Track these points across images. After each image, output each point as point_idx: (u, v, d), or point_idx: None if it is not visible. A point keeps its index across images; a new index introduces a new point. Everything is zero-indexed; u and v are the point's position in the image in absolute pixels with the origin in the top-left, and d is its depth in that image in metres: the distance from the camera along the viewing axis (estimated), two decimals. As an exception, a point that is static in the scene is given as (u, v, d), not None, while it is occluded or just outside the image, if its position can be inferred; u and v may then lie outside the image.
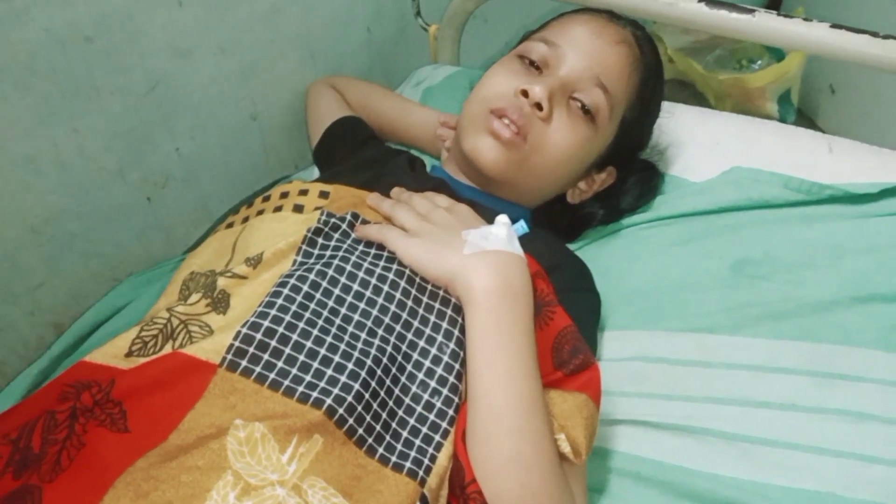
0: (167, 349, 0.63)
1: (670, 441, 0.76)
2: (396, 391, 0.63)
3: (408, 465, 0.59)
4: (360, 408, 0.59)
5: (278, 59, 1.12)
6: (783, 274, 0.85)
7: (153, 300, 0.79)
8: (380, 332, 0.65)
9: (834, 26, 0.92)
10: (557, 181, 0.87)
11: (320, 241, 0.72)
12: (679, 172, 0.99)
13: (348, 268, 0.68)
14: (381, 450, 0.60)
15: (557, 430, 0.64)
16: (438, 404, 0.63)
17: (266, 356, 0.60)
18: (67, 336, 0.88)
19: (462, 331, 0.66)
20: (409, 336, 0.66)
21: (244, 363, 0.60)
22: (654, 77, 0.89)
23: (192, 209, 1.09)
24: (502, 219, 0.69)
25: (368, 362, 0.62)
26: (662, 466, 0.74)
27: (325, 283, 0.66)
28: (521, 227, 0.71)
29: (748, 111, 1.13)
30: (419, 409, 0.63)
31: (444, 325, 0.67)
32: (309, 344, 0.62)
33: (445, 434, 0.62)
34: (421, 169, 0.92)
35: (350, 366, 0.61)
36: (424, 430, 0.62)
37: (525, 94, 0.79)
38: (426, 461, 0.60)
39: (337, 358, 0.62)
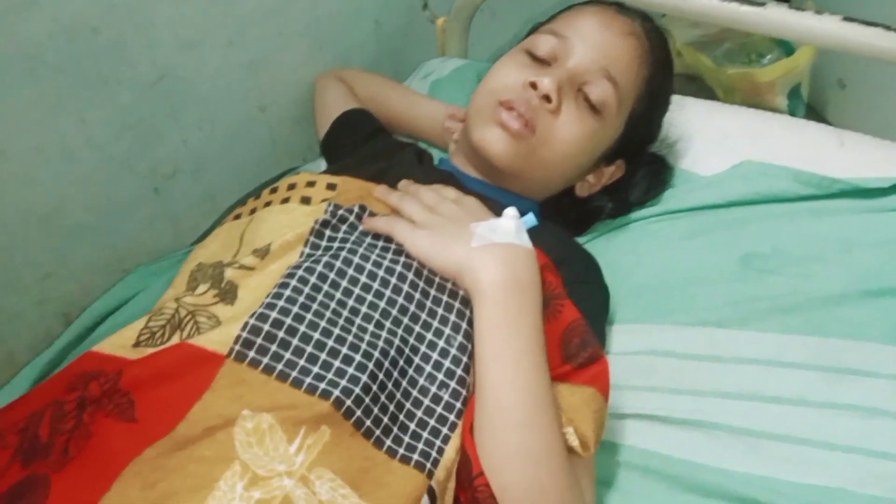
0: (175, 339, 0.63)
1: (678, 435, 0.76)
2: (404, 383, 0.63)
3: (415, 457, 0.59)
4: (367, 400, 0.59)
5: (286, 51, 1.12)
6: (792, 268, 0.85)
7: (161, 291, 0.79)
8: (387, 324, 0.65)
9: (846, 19, 0.91)
10: (565, 174, 0.87)
11: (328, 232, 0.72)
12: (688, 166, 0.98)
13: (356, 260, 0.67)
14: (388, 442, 0.59)
15: (566, 424, 0.64)
16: (446, 397, 0.63)
17: (274, 347, 0.60)
18: (75, 326, 0.88)
19: (470, 323, 0.66)
20: (417, 328, 0.66)
21: (252, 354, 0.60)
22: (663, 70, 0.89)
23: (199, 200, 1.09)
24: (511, 211, 0.68)
25: (376, 354, 0.62)
26: (670, 460, 0.74)
27: (332, 275, 0.66)
28: (530, 219, 0.71)
29: (757, 105, 1.12)
30: (427, 401, 0.63)
31: (452, 317, 0.66)
32: (317, 335, 0.62)
33: (453, 427, 0.62)
34: (428, 162, 0.92)
35: (358, 357, 0.61)
36: (432, 422, 0.62)
37: (534, 86, 0.79)
38: (434, 454, 0.60)
39: (345, 350, 0.61)
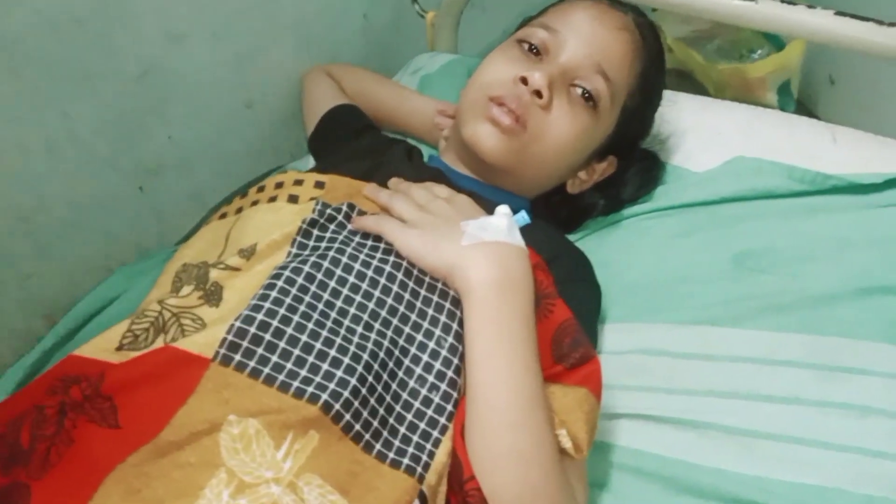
0: (159, 343, 0.61)
1: (672, 435, 0.75)
2: (394, 386, 0.62)
3: (405, 461, 0.58)
4: (356, 403, 0.58)
5: (273, 46, 1.11)
6: (785, 266, 0.84)
7: (146, 291, 0.78)
8: (376, 325, 0.64)
9: (838, 14, 0.90)
10: (557, 170, 0.86)
11: (316, 232, 0.71)
12: (680, 162, 0.97)
13: (344, 260, 0.66)
14: (378, 446, 0.58)
15: (558, 426, 0.63)
16: (436, 399, 0.62)
17: (260, 350, 0.59)
18: (59, 328, 0.87)
19: (461, 324, 0.65)
20: (407, 329, 0.65)
21: (238, 357, 0.58)
22: (655, 64, 0.88)
23: (185, 198, 1.08)
24: (503, 209, 0.67)
25: (365, 357, 0.60)
26: (664, 461, 0.74)
27: (320, 276, 0.64)
28: (523, 217, 0.70)
29: (748, 101, 1.12)
30: (417, 404, 0.62)
31: (443, 318, 0.65)
32: (304, 338, 0.60)
33: (444, 430, 0.61)
34: (418, 159, 0.91)
35: (346, 360, 0.60)
36: (422, 425, 0.61)
37: (525, 81, 0.78)
38: (424, 457, 0.59)
39: (333, 352, 0.60)
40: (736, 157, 0.93)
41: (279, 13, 1.09)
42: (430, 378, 0.63)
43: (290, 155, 1.20)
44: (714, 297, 0.83)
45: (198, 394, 0.57)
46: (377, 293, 0.65)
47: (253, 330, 0.59)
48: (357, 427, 0.58)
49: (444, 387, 0.62)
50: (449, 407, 0.62)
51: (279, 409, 0.56)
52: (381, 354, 0.62)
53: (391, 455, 0.58)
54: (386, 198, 0.74)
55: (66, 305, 0.93)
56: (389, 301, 0.65)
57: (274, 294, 0.62)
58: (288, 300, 0.62)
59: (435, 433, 0.61)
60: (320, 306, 0.63)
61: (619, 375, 0.79)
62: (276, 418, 0.55)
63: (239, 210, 0.78)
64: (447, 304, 0.66)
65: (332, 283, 0.65)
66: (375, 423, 0.59)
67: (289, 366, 0.59)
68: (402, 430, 0.60)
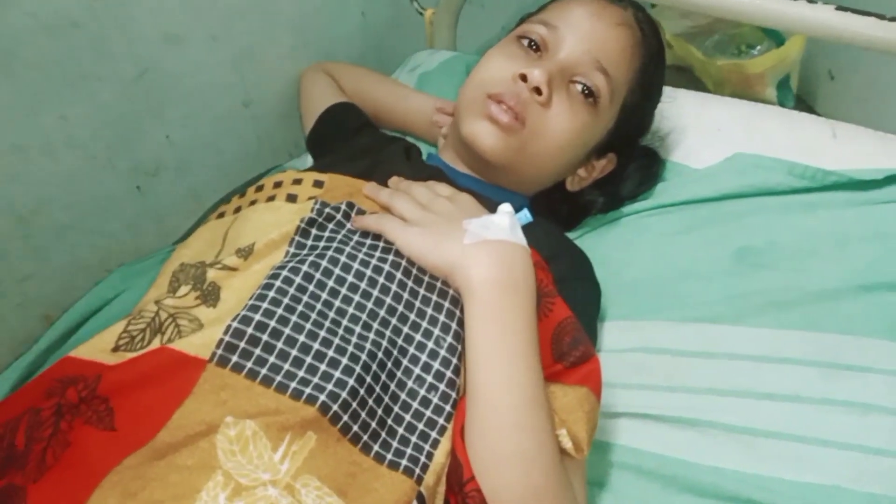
0: (155, 344, 0.61)
1: (672, 434, 0.75)
2: (392, 387, 0.62)
3: (404, 462, 0.58)
4: (354, 404, 0.58)
5: (271, 46, 1.10)
6: (787, 262, 0.84)
7: (143, 291, 0.78)
8: (375, 325, 0.63)
9: (839, 8, 0.90)
10: (556, 168, 0.85)
11: (314, 231, 0.70)
12: (680, 159, 0.97)
13: (342, 259, 0.66)
14: (376, 447, 0.58)
15: (559, 426, 0.62)
16: (435, 400, 0.62)
17: (257, 351, 0.59)
18: (56, 329, 0.86)
19: (460, 324, 0.64)
20: (406, 329, 0.64)
21: (235, 358, 0.58)
22: (655, 60, 0.88)
23: (183, 198, 1.07)
24: (505, 207, 0.67)
25: (363, 357, 0.60)
26: (664, 460, 0.73)
27: (318, 275, 0.64)
28: (525, 216, 0.69)
29: (747, 97, 1.12)
30: (415, 405, 0.61)
31: (442, 317, 0.65)
32: (302, 338, 0.60)
33: (442, 431, 0.61)
34: (417, 157, 0.90)
35: (344, 361, 0.59)
36: (421, 426, 0.60)
37: (524, 78, 0.77)
38: (423, 458, 0.59)
39: (331, 353, 0.60)
40: (736, 154, 0.93)
41: (276, 12, 1.08)
42: (429, 378, 0.62)
43: (289, 154, 1.20)
44: (715, 294, 0.83)
45: (195, 395, 0.56)
46: (376, 292, 0.65)
47: (250, 330, 0.59)
48: (355, 428, 0.57)
49: (442, 387, 0.62)
50: (447, 407, 0.62)
51: (277, 410, 0.56)
52: (380, 354, 0.61)
53: (389, 456, 0.58)
54: (386, 196, 0.74)
55: (64, 306, 0.92)
56: (388, 300, 0.65)
57: (271, 294, 0.61)
58: (285, 300, 0.61)
59: (434, 434, 0.60)
60: (318, 306, 0.62)
61: (619, 374, 0.78)
62: (273, 420, 0.55)
63: (237, 209, 0.77)
64: (446, 304, 0.66)
65: (331, 283, 0.64)
66: (373, 424, 0.59)
67: (286, 366, 0.58)
68: (401, 430, 0.60)
